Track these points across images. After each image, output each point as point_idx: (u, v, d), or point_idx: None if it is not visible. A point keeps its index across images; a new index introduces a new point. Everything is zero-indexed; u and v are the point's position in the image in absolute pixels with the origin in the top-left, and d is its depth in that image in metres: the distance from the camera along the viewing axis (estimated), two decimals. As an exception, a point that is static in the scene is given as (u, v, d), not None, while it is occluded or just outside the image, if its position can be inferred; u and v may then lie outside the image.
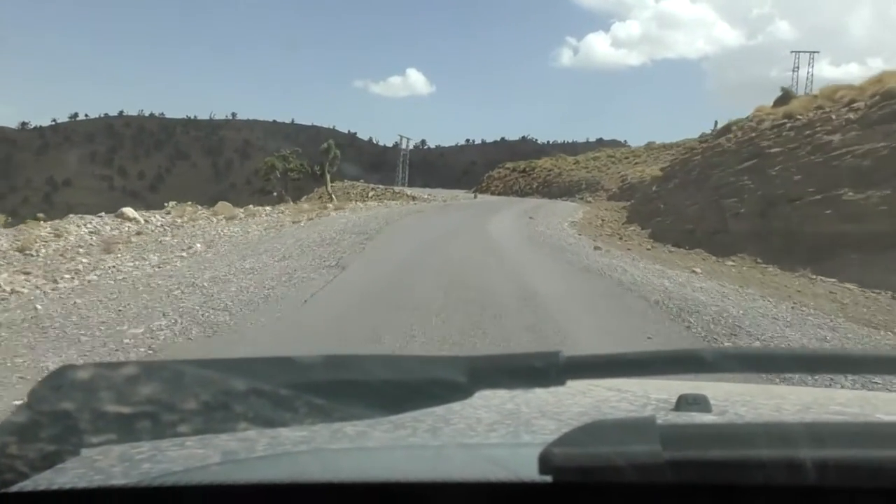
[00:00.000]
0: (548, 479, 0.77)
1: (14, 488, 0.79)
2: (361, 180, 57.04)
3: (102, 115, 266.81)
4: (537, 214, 28.66)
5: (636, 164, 53.66)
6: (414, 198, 42.59)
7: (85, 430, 0.72)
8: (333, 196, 44.54)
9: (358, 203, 35.84)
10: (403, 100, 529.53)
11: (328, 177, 48.05)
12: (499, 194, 64.68)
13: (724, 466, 0.75)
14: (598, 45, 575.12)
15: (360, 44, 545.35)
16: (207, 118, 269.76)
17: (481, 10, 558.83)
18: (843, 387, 4.78)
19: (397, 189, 47.80)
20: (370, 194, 46.70)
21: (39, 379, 0.77)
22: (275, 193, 63.33)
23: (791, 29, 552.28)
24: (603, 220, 27.16)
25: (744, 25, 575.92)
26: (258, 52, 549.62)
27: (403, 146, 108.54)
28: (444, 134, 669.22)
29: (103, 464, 0.96)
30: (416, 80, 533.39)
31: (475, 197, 49.51)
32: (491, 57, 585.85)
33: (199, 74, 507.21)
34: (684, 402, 1.32)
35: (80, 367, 0.75)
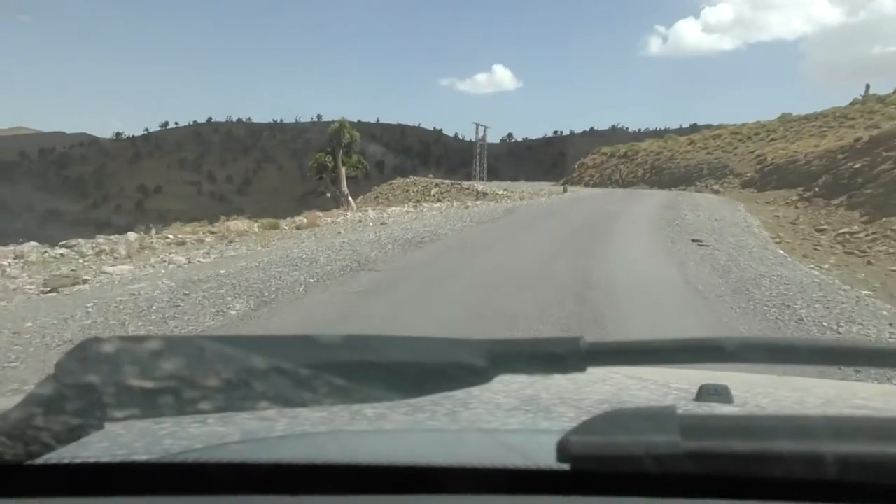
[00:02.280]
0: (565, 466, 0.77)
1: (40, 460, 0.81)
2: (430, 175, 48.42)
3: (191, 123, 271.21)
4: (684, 225, 17.44)
5: (772, 140, 42.98)
6: (484, 194, 33.52)
7: (109, 404, 0.73)
8: (350, 199, 36.72)
9: (399, 207, 26.61)
10: (490, 96, 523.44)
11: (342, 171, 39.06)
12: (594, 185, 54.31)
13: (743, 459, 0.74)
14: (689, 32, 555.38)
15: (446, 43, 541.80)
16: (293, 121, 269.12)
17: (566, 3, 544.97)
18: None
19: (465, 185, 38.51)
20: (433, 191, 37.84)
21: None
22: (328, 194, 55.76)
23: (895, 2, 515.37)
24: (794, 224, 18.25)
25: (844, 2, 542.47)
26: (346, 54, 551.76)
27: (480, 136, 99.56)
28: (532, 127, 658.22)
29: (126, 439, 0.98)
30: (502, 76, 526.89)
31: (564, 191, 38.86)
32: (577, 49, 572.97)
33: (287, 80, 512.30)
34: (705, 393, 1.31)
35: (105, 340, 0.76)
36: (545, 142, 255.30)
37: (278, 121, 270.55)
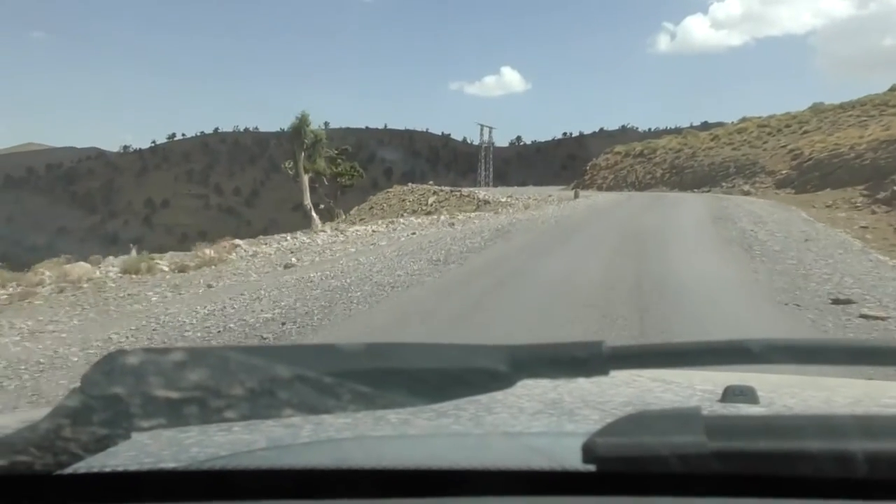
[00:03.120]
0: (591, 468, 0.77)
1: (69, 470, 0.82)
2: (431, 182, 44.89)
3: (198, 134, 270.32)
4: (773, 254, 11.62)
5: (805, 132, 39.18)
6: (486, 202, 30.05)
7: (135, 414, 0.75)
8: (315, 215, 31.22)
9: (367, 226, 21.49)
10: (499, 98, 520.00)
11: (305, 179, 33.07)
12: (608, 189, 50.37)
13: (771, 458, 0.74)
14: (697, 28, 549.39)
15: (454, 46, 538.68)
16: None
17: (573, 4, 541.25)
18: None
19: (465, 192, 34.87)
20: (430, 200, 34.31)
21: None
22: (321, 206, 52.22)
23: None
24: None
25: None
26: (353, 60, 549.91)
27: (485, 138, 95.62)
28: (541, 129, 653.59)
29: (153, 448, 0.99)
30: (510, 78, 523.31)
31: (576, 196, 33.82)
32: (585, 50, 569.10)
33: (294, 87, 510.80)
34: (731, 394, 1.30)
35: (130, 352, 0.78)
36: (555, 144, 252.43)
37: (285, 129, 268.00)
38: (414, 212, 35.31)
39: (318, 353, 0.81)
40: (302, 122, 33.96)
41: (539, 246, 14.30)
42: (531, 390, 1.31)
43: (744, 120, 50.80)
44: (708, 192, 37.71)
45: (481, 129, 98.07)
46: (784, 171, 32.31)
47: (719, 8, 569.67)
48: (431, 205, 33.97)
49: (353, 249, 14.96)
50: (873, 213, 18.40)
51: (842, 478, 0.73)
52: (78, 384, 0.76)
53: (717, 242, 13.82)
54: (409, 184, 44.31)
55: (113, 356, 0.78)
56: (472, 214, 24.18)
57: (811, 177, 27.73)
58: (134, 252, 16.56)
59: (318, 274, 11.22)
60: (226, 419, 0.76)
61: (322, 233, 19.11)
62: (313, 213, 31.49)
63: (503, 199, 30.65)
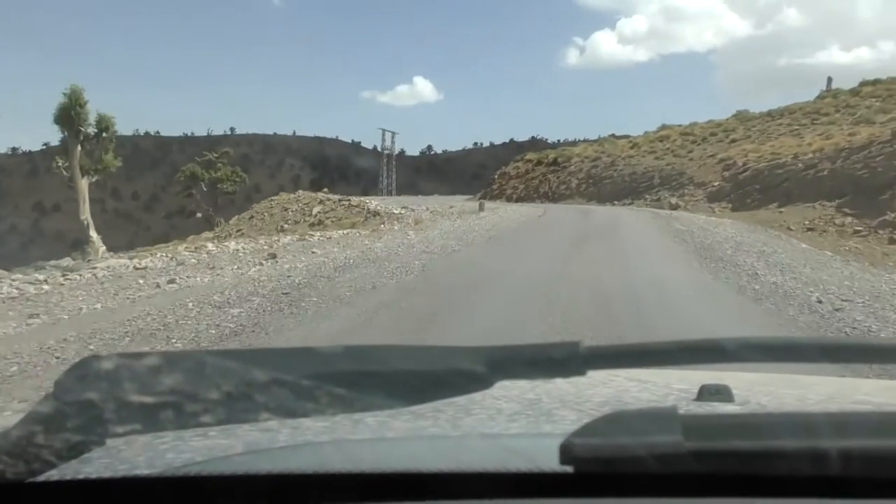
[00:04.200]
0: (569, 469, 0.77)
1: (41, 477, 0.81)
2: (325, 189, 40.07)
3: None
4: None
5: (733, 141, 36.23)
6: (375, 214, 25.65)
7: (110, 420, 0.74)
8: (94, 237, 24.01)
9: (183, 247, 16.84)
10: (411, 108, 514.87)
11: (83, 183, 24.99)
12: (518, 200, 46.43)
13: (746, 456, 0.75)
14: (605, 43, 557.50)
15: (366, 56, 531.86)
16: (206, 134, 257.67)
17: (485, 15, 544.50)
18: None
19: (356, 202, 30.32)
20: (315, 210, 29.71)
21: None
22: (199, 214, 46.54)
23: (799, 16, 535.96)
24: None
25: (752, 15, 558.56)
26: (261, 66, 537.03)
27: (387, 144, 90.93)
28: (454, 139, 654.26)
29: (128, 454, 0.97)
30: (423, 88, 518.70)
31: (480, 209, 29.65)
32: (497, 61, 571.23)
33: (198, 91, 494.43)
34: (706, 393, 1.31)
35: (104, 357, 0.78)
36: (465, 154, 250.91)
37: (189, 134, 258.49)
38: (296, 223, 30.45)
39: (295, 356, 0.83)
40: (73, 101, 24.53)
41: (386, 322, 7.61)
42: (509, 391, 1.32)
43: (664, 127, 47.67)
44: (630, 204, 34.50)
45: (383, 135, 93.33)
46: (716, 183, 29.26)
47: (626, 24, 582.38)
48: (316, 215, 29.50)
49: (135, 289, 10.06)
50: (893, 241, 14.55)
51: (816, 475, 0.74)
52: (51, 389, 0.75)
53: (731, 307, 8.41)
54: (299, 191, 39.36)
55: (86, 361, 0.77)
56: (337, 234, 19.30)
57: (750, 190, 24.56)
58: None
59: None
60: (202, 424, 0.75)
61: (108, 259, 13.86)
62: (92, 233, 24.78)
63: (396, 211, 26.41)
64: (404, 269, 11.46)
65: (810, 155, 22.73)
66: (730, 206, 25.49)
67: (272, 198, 37.95)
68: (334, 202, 30.88)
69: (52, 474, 0.81)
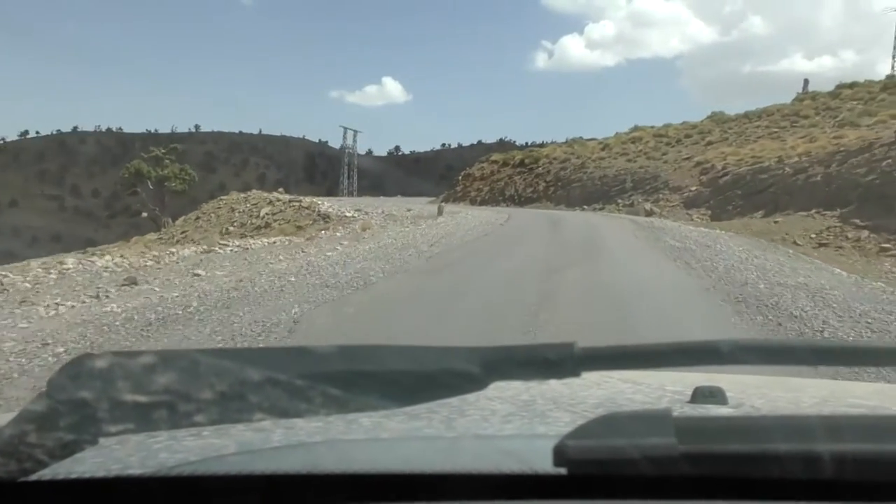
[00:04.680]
0: (562, 471, 0.77)
1: (33, 477, 0.80)
2: (281, 189, 37.94)
3: (55, 133, 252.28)
4: None
5: (710, 143, 34.67)
6: (326, 217, 23.52)
7: (103, 419, 0.74)
8: None
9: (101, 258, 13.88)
10: (380, 108, 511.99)
11: None
12: (482, 203, 44.41)
13: (739, 459, 0.75)
14: (573, 48, 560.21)
15: (335, 55, 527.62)
16: (169, 132, 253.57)
17: (455, 18, 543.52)
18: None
19: (307, 203, 28.19)
20: (263, 212, 27.59)
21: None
22: (144, 214, 44.11)
23: (764, 24, 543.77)
24: None
25: (717, 22, 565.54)
26: (228, 61, 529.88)
27: (349, 143, 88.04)
28: (422, 140, 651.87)
29: (121, 453, 0.98)
30: (392, 88, 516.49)
31: (439, 213, 27.43)
32: (466, 64, 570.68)
33: (163, 88, 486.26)
34: (700, 395, 1.31)
35: (98, 355, 0.77)
36: (433, 155, 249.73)
37: (153, 131, 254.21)
38: (242, 225, 28.39)
39: (289, 355, 0.82)
40: None
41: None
42: (503, 392, 1.31)
43: (636, 129, 45.84)
44: (601, 209, 32.69)
45: (345, 133, 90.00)
46: (693, 188, 27.58)
47: (594, 29, 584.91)
48: (263, 217, 27.37)
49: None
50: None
51: (810, 479, 0.74)
52: (44, 388, 0.75)
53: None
54: (254, 190, 37.30)
55: (80, 359, 0.76)
56: (261, 243, 17.01)
57: (731, 195, 22.83)
58: None
59: None
60: (195, 423, 0.75)
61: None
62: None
63: (348, 214, 24.41)
64: (262, 324, 7.75)
65: (796, 158, 21.14)
66: (709, 212, 23.84)
67: (222, 197, 35.91)
68: (284, 203, 28.74)
69: (45, 473, 0.81)
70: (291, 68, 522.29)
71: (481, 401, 1.22)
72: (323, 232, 19.60)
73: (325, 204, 27.97)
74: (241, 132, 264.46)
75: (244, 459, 0.95)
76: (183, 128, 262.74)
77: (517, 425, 1.20)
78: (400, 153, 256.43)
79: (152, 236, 33.76)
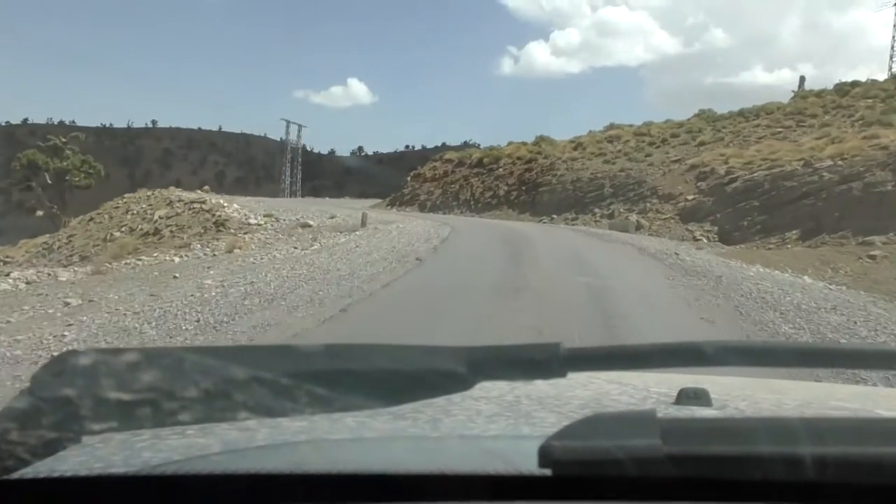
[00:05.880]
0: (547, 472, 0.78)
1: (15, 475, 0.80)
2: (206, 187, 32.56)
3: (3, 124, 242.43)
4: None
5: (702, 143, 29.93)
6: (223, 225, 18.36)
7: (86, 416, 0.74)
8: None
9: None
10: (346, 109, 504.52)
11: None
12: (432, 208, 39.20)
13: (723, 461, 0.76)
14: (539, 54, 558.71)
15: (300, 55, 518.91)
16: (125, 126, 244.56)
17: (422, 21, 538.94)
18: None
19: (208, 206, 23.42)
20: (157, 216, 23.19)
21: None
22: (39, 212, 38.20)
23: (725, 37, 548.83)
24: None
25: (681, 33, 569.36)
26: (190, 56, 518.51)
27: (292, 138, 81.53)
28: (387, 142, 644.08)
29: (104, 452, 0.97)
30: (357, 89, 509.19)
31: (363, 224, 21.26)
32: (433, 68, 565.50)
33: (120, 82, 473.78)
34: (685, 396, 1.32)
35: (82, 352, 0.77)
36: (397, 156, 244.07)
37: (108, 125, 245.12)
38: (131, 230, 23.32)
39: (275, 354, 0.81)
40: None
41: None
42: (489, 392, 1.32)
43: (613, 126, 40.61)
44: (575, 220, 27.57)
45: (287, 126, 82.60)
46: (690, 196, 22.83)
47: (560, 36, 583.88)
48: (156, 221, 22.35)
49: None
50: None
51: (792, 481, 0.75)
52: (27, 385, 0.74)
53: None
54: (158, 189, 32.17)
55: (63, 357, 0.76)
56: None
57: (745, 208, 17.85)
58: None
59: None
60: (180, 422, 0.74)
61: None
62: None
63: (253, 221, 19.10)
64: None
65: (829, 162, 16.46)
66: (715, 228, 19.15)
67: (126, 195, 30.61)
68: (185, 204, 23.37)
69: (27, 472, 0.80)
70: (256, 68, 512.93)
71: (467, 401, 1.22)
72: (198, 246, 14.31)
73: (234, 206, 22.59)
74: (199, 128, 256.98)
75: (229, 459, 0.93)
76: (139, 123, 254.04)
77: (502, 426, 1.20)
78: (363, 153, 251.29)
79: (44, 238, 28.54)
